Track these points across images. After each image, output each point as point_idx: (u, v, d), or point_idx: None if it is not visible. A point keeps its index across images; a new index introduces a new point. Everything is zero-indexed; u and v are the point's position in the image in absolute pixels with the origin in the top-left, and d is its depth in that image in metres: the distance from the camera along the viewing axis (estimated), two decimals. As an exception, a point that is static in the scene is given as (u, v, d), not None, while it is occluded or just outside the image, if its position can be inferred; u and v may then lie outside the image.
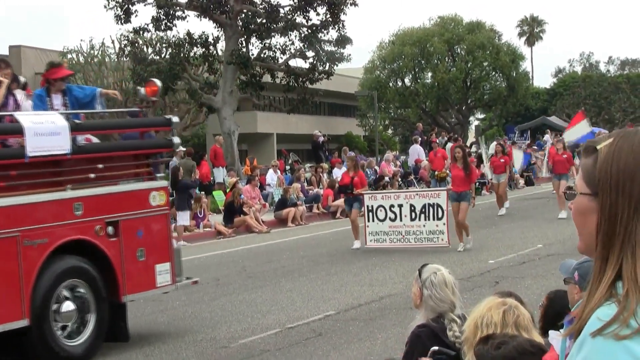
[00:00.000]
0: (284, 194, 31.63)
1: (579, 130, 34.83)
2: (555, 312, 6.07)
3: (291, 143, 66.78)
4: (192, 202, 28.06)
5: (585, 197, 2.40)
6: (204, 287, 17.86)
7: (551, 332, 5.22)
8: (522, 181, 42.02)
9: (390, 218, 22.32)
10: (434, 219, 21.71)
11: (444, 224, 21.56)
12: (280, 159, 46.08)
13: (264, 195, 33.33)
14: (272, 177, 35.90)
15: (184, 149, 33.35)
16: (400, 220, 22.18)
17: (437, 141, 38.43)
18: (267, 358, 11.73)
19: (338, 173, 35.59)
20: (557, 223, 25.23)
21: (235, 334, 13.27)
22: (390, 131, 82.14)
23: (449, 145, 40.43)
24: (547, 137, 56.77)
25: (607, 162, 2.34)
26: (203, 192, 30.90)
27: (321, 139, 42.38)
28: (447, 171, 35.51)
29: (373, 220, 22.52)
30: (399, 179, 37.40)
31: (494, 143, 49.11)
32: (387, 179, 36.78)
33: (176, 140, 13.88)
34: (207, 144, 57.77)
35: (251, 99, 45.02)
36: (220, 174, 35.35)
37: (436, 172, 34.03)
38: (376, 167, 39.13)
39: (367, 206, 22.67)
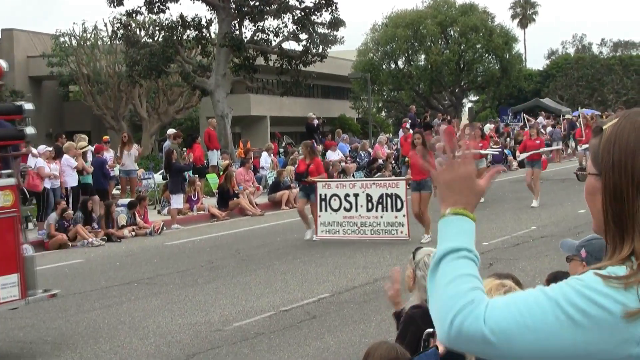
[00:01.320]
0: (277, 176, 31.61)
1: None
2: None
3: (285, 126, 66.78)
4: (186, 185, 28.04)
5: (593, 177, 2.41)
6: (198, 270, 17.90)
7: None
8: (515, 163, 41.99)
9: (345, 208, 21.26)
10: (392, 210, 20.69)
11: (404, 215, 20.55)
12: (273, 141, 46.05)
13: (258, 178, 33.31)
14: (265, 159, 35.87)
15: (174, 131, 33.36)
16: (356, 210, 21.13)
17: (407, 126, 37.30)
18: (262, 341, 11.74)
19: (332, 156, 35.60)
20: (551, 204, 25.27)
21: (230, 317, 13.27)
22: (383, 113, 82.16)
23: (443, 127, 40.40)
24: (541, 119, 56.80)
25: (610, 141, 2.35)
26: (197, 175, 30.88)
27: (316, 121, 42.32)
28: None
29: (326, 210, 21.40)
30: (392, 162, 37.37)
31: (487, 125, 49.23)
32: (380, 161, 36.77)
33: (29, 130, 11.83)
34: (201, 126, 57.72)
35: (244, 82, 44.96)
36: (214, 157, 35.31)
37: (406, 158, 32.94)
38: (370, 150, 39.11)
39: (320, 195, 21.46)
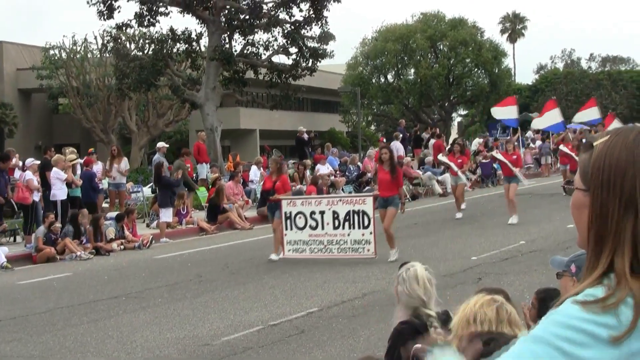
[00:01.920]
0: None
1: (549, 118, 34.75)
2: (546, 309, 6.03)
3: (274, 139, 66.78)
4: (175, 198, 28.01)
5: (581, 192, 2.40)
6: (187, 284, 17.85)
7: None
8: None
9: (310, 226, 20.56)
10: (359, 227, 20.03)
11: (371, 232, 19.88)
12: (263, 155, 46.04)
13: (247, 192, 33.26)
14: (255, 173, 35.83)
15: (167, 146, 33.34)
16: (322, 228, 20.43)
17: (384, 140, 36.83)
18: (250, 355, 11.70)
19: (321, 169, 35.61)
20: (540, 219, 25.29)
21: (218, 331, 13.24)
22: (373, 127, 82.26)
23: (432, 141, 40.49)
24: (530, 133, 56.94)
25: (600, 157, 2.34)
26: (186, 189, 30.82)
27: (305, 135, 42.35)
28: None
29: (291, 229, 20.70)
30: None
31: (477, 139, 49.30)
32: (369, 175, 36.78)
33: None
34: (190, 140, 57.75)
35: (234, 95, 44.98)
36: (203, 170, 35.29)
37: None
38: (359, 164, 39.12)
39: (285, 213, 20.78)
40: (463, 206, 28.12)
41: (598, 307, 2.22)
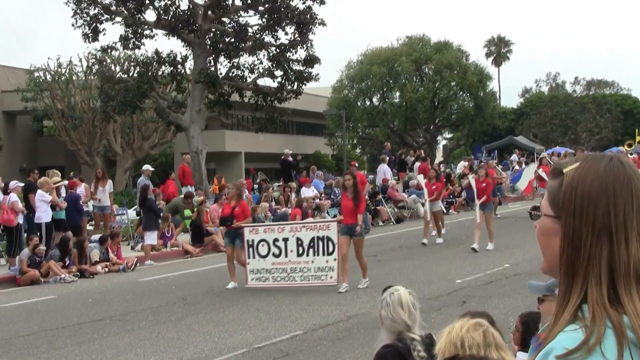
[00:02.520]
0: (252, 213, 31.55)
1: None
2: (529, 332, 6.06)
3: (259, 162, 66.80)
4: (160, 221, 27.95)
5: (549, 218, 2.41)
6: (171, 307, 17.81)
7: (519, 354, 5.24)
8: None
9: (273, 254, 19.87)
10: (324, 254, 19.33)
11: (335, 259, 19.13)
12: (248, 178, 46.01)
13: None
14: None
15: (152, 169, 33.30)
16: (286, 256, 19.76)
17: (356, 165, 36.27)
18: (234, 378, 11.67)
19: (306, 192, 35.60)
20: (524, 242, 25.31)
21: (202, 354, 13.21)
22: (358, 150, 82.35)
23: (417, 164, 40.55)
24: (514, 156, 57.11)
25: (572, 186, 2.35)
26: (170, 213, 30.79)
27: (290, 158, 42.37)
28: (367, 196, 33.57)
29: (254, 257, 20.03)
30: (367, 199, 37.37)
31: (462, 162, 49.42)
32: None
33: None
34: (175, 162, 57.71)
35: (219, 118, 44.98)
36: (188, 193, 35.22)
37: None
38: (370, 186, 39.12)
39: (248, 241, 20.12)
40: (443, 230, 27.79)
41: (582, 353, 2.22)
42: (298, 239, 19.68)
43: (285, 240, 19.84)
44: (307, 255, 19.51)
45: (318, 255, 19.39)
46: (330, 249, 19.27)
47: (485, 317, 5.09)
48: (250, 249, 20.09)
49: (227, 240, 21.12)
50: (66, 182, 29.44)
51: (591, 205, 2.31)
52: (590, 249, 2.30)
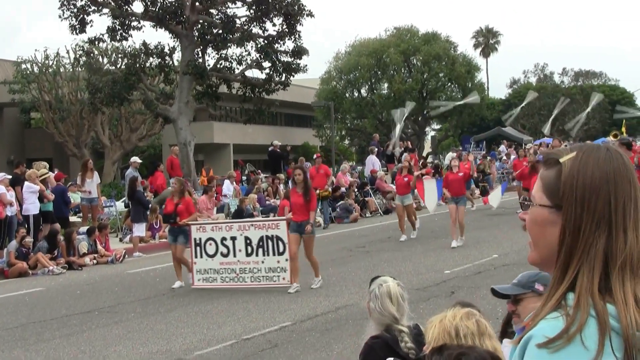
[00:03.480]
0: (240, 204, 31.56)
1: None
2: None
3: (248, 153, 66.75)
4: (148, 213, 27.92)
5: (545, 209, 2.40)
6: (160, 299, 17.81)
7: (504, 341, 5.25)
8: (477, 191, 42.17)
9: (222, 253, 19.08)
10: (274, 254, 18.58)
11: (286, 259, 18.35)
12: (236, 169, 45.97)
13: (221, 206, 33.23)
14: (228, 187, 35.79)
15: (140, 161, 33.24)
16: (234, 255, 18.96)
17: (321, 155, 35.04)
18: (223, 370, 11.68)
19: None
20: (512, 233, 25.36)
21: (191, 346, 13.21)
22: (346, 142, 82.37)
23: (405, 155, 40.59)
24: (503, 147, 57.19)
25: (573, 176, 2.35)
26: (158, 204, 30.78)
27: (279, 149, 42.36)
28: (330, 189, 33.34)
29: (201, 256, 19.25)
30: (355, 190, 37.43)
31: (450, 154, 49.47)
32: (343, 189, 36.81)
33: None
34: (164, 154, 57.62)
35: (207, 110, 44.88)
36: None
37: (317, 191, 29.96)
38: (333, 178, 39.14)
39: (195, 239, 19.36)
40: (418, 224, 26.87)
41: (563, 341, 2.23)
42: (246, 238, 18.90)
43: (234, 239, 19.06)
44: (257, 255, 18.75)
45: (268, 255, 18.64)
46: (281, 249, 18.51)
47: (473, 308, 5.10)
48: (198, 248, 19.35)
49: (170, 238, 20.07)
50: (53, 174, 29.35)
51: (593, 194, 2.32)
52: (588, 237, 2.30)
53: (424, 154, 62.29)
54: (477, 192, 42.08)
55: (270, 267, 18.60)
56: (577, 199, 2.33)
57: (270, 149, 42.69)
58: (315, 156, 34.95)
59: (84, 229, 26.87)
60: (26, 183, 25.22)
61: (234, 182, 36.65)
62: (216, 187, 34.90)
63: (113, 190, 38.68)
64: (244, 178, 42.14)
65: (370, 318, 6.48)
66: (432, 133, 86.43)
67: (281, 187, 36.70)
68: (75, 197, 30.30)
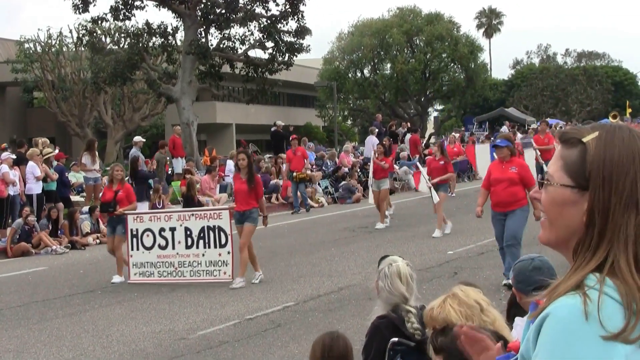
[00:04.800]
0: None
1: None
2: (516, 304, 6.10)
3: (250, 133, 66.73)
4: (151, 192, 27.93)
5: (567, 189, 2.38)
6: (163, 278, 17.80)
7: (517, 319, 5.26)
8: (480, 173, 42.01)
9: (159, 245, 17.69)
10: (215, 247, 17.20)
11: (228, 252, 17.09)
12: (239, 149, 45.91)
13: (223, 186, 33.23)
14: (231, 167, 35.76)
15: (143, 140, 33.23)
16: (173, 248, 17.56)
17: (295, 139, 33.49)
18: (226, 349, 11.69)
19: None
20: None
21: (194, 325, 13.23)
22: (349, 122, 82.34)
23: (408, 136, 40.56)
24: (505, 128, 57.05)
25: (599, 157, 2.33)
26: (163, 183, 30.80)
27: (281, 129, 42.35)
28: (308, 171, 32.30)
29: (138, 249, 17.84)
30: (358, 170, 37.39)
31: (453, 134, 49.40)
32: (345, 169, 36.79)
33: None
34: (166, 134, 57.56)
35: (210, 89, 44.88)
36: (179, 165, 35.19)
37: (294, 173, 30.42)
38: (336, 159, 39.12)
39: (131, 230, 17.90)
40: (390, 211, 25.85)
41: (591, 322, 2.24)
42: (186, 229, 17.49)
43: (173, 230, 17.66)
44: (197, 247, 17.37)
45: (209, 247, 17.28)
46: (223, 241, 17.19)
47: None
48: (134, 240, 17.91)
49: (109, 229, 18.55)
50: (56, 151, 29.30)
51: (621, 175, 2.30)
52: (617, 219, 2.29)
53: (427, 135, 62.15)
54: (480, 173, 41.89)
55: (211, 261, 17.24)
56: (605, 180, 2.31)
57: (273, 129, 42.67)
58: (291, 138, 33.89)
59: (86, 208, 26.87)
60: (29, 163, 25.21)
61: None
62: (219, 167, 34.88)
63: (115, 169, 38.62)
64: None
65: (378, 297, 6.47)
66: (435, 114, 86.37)
67: (284, 167, 36.69)
68: (78, 177, 30.29)
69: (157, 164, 28.11)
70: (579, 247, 2.35)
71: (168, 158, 33.91)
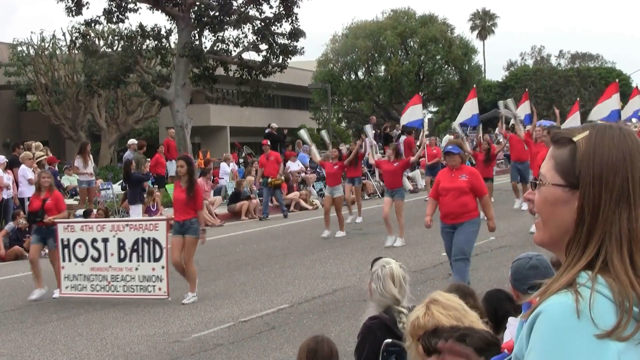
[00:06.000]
0: (237, 187, 31.54)
1: (412, 114, 33.83)
2: (491, 308, 6.17)
3: (244, 136, 66.69)
4: (145, 195, 27.90)
5: (558, 188, 2.40)
6: (157, 281, 17.76)
7: (510, 319, 5.26)
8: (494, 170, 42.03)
9: (92, 257, 16.46)
10: (150, 260, 15.96)
11: (163, 267, 15.81)
12: (233, 152, 45.93)
13: (217, 189, 33.22)
14: (225, 170, 35.78)
15: (136, 142, 33.21)
16: (106, 260, 16.35)
17: (268, 143, 32.30)
18: (221, 352, 11.68)
19: (292, 166, 35.59)
20: (510, 215, 25.33)
21: (189, 328, 13.21)
22: (343, 124, 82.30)
23: (403, 138, 40.56)
24: (498, 130, 57.01)
25: (590, 155, 2.35)
26: (156, 186, 30.79)
27: (275, 132, 42.33)
28: (282, 177, 31.19)
29: (70, 260, 16.64)
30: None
31: (447, 136, 49.39)
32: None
33: None
34: (160, 137, 57.58)
35: (204, 92, 44.84)
36: (173, 167, 35.16)
37: (269, 179, 29.14)
38: (290, 166, 39.09)
39: (62, 240, 16.71)
40: (349, 219, 25.52)
41: (582, 320, 2.24)
42: (120, 240, 16.27)
43: (105, 240, 16.43)
44: (130, 260, 16.15)
45: (143, 260, 16.05)
46: (157, 254, 15.94)
47: (464, 289, 5.14)
48: (66, 250, 16.75)
49: (35, 237, 17.28)
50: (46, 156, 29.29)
51: (611, 172, 2.32)
52: (608, 216, 2.30)
53: (421, 136, 62.14)
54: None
55: (145, 276, 15.99)
56: (594, 178, 2.33)
57: (267, 131, 42.65)
58: (262, 142, 32.45)
59: (80, 211, 26.84)
60: (22, 166, 25.18)
61: (231, 165, 36.64)
62: (213, 170, 34.89)
63: (110, 173, 38.65)
64: (241, 160, 42.13)
65: (370, 299, 6.48)
66: (429, 115, 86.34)
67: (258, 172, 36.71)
68: (72, 180, 30.27)
69: (137, 165, 28.00)
70: (570, 245, 2.36)
71: (147, 159, 33.77)
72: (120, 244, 16.25)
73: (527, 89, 43.80)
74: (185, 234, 15.42)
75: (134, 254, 16.11)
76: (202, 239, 15.61)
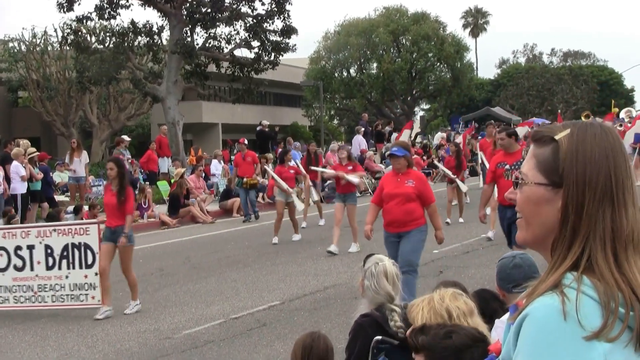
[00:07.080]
0: (228, 184, 31.51)
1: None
2: (478, 307, 6.20)
3: (236, 133, 66.55)
4: (136, 192, 27.86)
5: (541, 187, 2.39)
6: (148, 278, 17.76)
7: (497, 321, 5.25)
8: (466, 172, 42.08)
9: (15, 266, 15.24)
10: (81, 267, 14.85)
11: (96, 274, 14.65)
12: (225, 149, 45.90)
13: (209, 186, 33.20)
14: (216, 167, 35.76)
15: (129, 139, 33.22)
16: (32, 269, 15.13)
17: (245, 142, 29.89)
18: (211, 349, 11.67)
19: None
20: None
21: (179, 325, 13.20)
22: (335, 121, 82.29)
23: (394, 135, 40.61)
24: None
25: (572, 153, 2.34)
26: (147, 183, 30.75)
27: (267, 129, 42.30)
28: (258, 178, 29.78)
29: None
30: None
31: (439, 133, 49.44)
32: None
33: None
34: (152, 133, 57.48)
35: (196, 89, 44.82)
36: (164, 164, 35.16)
37: (244, 179, 27.79)
38: (267, 167, 38.98)
39: None
40: (304, 224, 24.43)
41: (569, 321, 2.24)
42: (47, 247, 15.10)
43: (31, 248, 15.21)
44: (60, 268, 15.01)
45: (74, 268, 14.93)
46: (90, 260, 14.85)
47: (458, 287, 5.13)
48: None
49: None
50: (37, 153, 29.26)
51: (594, 170, 2.31)
52: (592, 215, 2.30)
53: (413, 134, 62.21)
54: (467, 172, 41.99)
55: (76, 284, 14.89)
56: (578, 176, 2.32)
57: (258, 128, 42.66)
58: (239, 141, 30.34)
59: (71, 208, 26.81)
60: (14, 163, 25.12)
61: (222, 162, 36.62)
62: (204, 167, 34.86)
63: (101, 169, 38.60)
64: (233, 158, 42.11)
65: (362, 296, 6.47)
66: (421, 113, 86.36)
67: (269, 167, 36.65)
68: (63, 177, 30.23)
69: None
70: (555, 245, 2.35)
71: (128, 154, 33.68)
72: (48, 250, 15.10)
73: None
74: (117, 242, 14.37)
75: (64, 261, 15.01)
76: (122, 242, 14.29)
